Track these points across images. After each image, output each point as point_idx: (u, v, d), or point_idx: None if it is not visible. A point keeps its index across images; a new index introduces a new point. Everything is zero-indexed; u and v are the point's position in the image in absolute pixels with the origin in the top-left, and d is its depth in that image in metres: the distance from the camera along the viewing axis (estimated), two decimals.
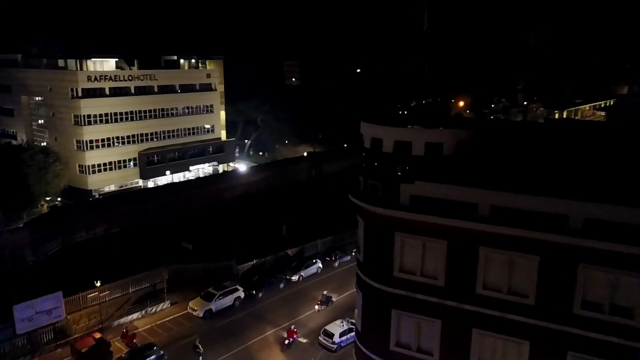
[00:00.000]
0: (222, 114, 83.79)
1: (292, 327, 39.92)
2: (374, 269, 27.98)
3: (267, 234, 56.45)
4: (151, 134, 74.24)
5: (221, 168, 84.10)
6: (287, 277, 48.20)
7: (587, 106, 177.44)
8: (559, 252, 23.14)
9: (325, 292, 45.10)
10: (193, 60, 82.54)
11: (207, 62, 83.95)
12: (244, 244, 52.69)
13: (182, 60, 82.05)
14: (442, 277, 25.91)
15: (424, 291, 26.52)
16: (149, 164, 73.50)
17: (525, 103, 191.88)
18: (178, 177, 77.54)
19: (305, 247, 54.21)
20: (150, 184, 74.57)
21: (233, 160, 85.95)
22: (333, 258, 51.85)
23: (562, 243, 22.93)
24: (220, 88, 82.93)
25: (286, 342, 38.74)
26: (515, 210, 23.69)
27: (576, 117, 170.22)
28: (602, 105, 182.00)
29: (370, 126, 27.29)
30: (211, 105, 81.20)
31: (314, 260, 50.32)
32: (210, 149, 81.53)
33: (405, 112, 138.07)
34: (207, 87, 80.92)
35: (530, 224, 23.33)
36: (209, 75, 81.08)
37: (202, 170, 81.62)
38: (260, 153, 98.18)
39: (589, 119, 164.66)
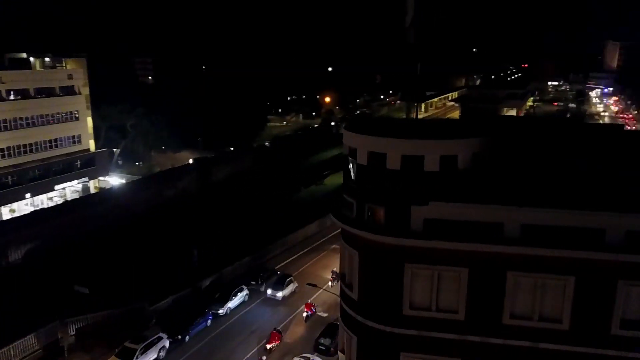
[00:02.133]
0: (89, 120, 71.47)
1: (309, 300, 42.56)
2: (376, 308, 23.49)
3: (174, 261, 48.49)
4: (1, 150, 60.13)
5: (92, 184, 72.00)
6: (214, 311, 41.23)
7: (441, 97, 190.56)
8: (597, 270, 20.94)
9: (334, 269, 45.34)
10: (48, 59, 68.99)
11: (65, 62, 70.85)
12: (151, 278, 44.46)
13: (32, 59, 68.14)
14: (463, 309, 22.38)
15: (441, 328, 22.79)
16: (3, 187, 59.48)
17: (382, 97, 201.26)
18: (41, 199, 64.24)
19: (223, 272, 47.42)
20: (5, 211, 60.56)
21: (106, 174, 74.13)
22: (259, 281, 45.91)
23: (600, 260, 20.78)
24: (85, 91, 70.51)
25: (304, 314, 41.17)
26: (548, 228, 20.99)
27: (431, 108, 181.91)
28: (452, 97, 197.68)
29: (365, 138, 22.57)
30: (76, 111, 68.60)
31: (241, 288, 43.93)
32: (78, 162, 69.04)
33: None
34: (69, 90, 68.13)
35: (565, 242, 20.81)
36: (70, 77, 68.37)
37: (69, 188, 68.90)
38: (137, 163, 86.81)
39: (445, 109, 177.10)
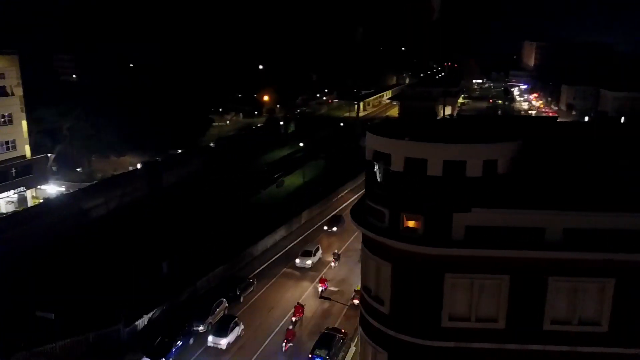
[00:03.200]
0: (24, 124, 64.84)
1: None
2: (412, 322, 22.35)
3: (142, 275, 44.81)
4: None
5: (29, 194, 65.56)
6: (195, 328, 38.37)
7: (381, 95, 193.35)
8: (637, 271, 21.02)
9: (336, 251, 52.40)
10: None
11: None
12: (120, 295, 40.76)
13: None
14: (503, 318, 21.76)
15: (480, 338, 22.05)
16: None
17: (317, 95, 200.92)
18: None
19: (198, 285, 44.46)
20: None
21: (45, 183, 67.78)
22: (238, 292, 43.42)
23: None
24: (19, 92, 63.84)
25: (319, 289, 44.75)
26: (590, 231, 20.78)
27: (368, 107, 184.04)
28: (387, 95, 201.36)
29: (403, 144, 21.27)
30: (9, 115, 62.02)
31: (220, 301, 41.26)
32: (14, 170, 62.50)
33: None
34: (1, 92, 61.47)
35: (606, 245, 20.69)
36: (2, 76, 61.66)
37: (4, 199, 62.27)
38: (78, 169, 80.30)
39: (383, 107, 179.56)
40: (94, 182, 71.36)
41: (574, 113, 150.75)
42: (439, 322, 21.95)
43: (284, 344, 36.74)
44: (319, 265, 50.63)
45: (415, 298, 22.06)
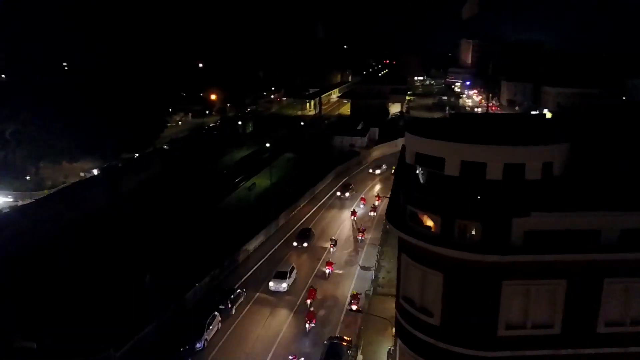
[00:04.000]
0: None
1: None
2: (467, 333, 21.35)
3: (123, 292, 41.43)
4: None
5: None
6: (190, 347, 35.69)
7: (329, 93, 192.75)
8: None
9: (333, 237, 54.92)
10: None
11: None
12: (101, 316, 37.40)
13: None
14: (559, 323, 21.22)
15: (536, 345, 21.44)
16: None
17: (265, 93, 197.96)
18: None
19: (186, 298, 41.60)
20: None
21: None
22: (229, 305, 41.00)
23: None
24: None
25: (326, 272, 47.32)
26: None
27: (320, 105, 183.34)
28: (336, 93, 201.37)
29: (458, 146, 20.14)
30: None
31: (214, 315, 38.72)
32: None
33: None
34: None
35: None
36: None
37: None
38: (27, 177, 73.94)
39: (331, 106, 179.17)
40: (48, 191, 65.84)
41: (517, 108, 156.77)
42: (495, 332, 21.11)
43: (307, 324, 38.69)
44: (295, 287, 45.22)
45: (470, 308, 21.08)
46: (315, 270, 49.03)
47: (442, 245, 20.80)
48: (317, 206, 67.58)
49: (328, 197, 71.41)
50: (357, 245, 55.65)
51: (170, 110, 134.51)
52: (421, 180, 21.52)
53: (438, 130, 21.96)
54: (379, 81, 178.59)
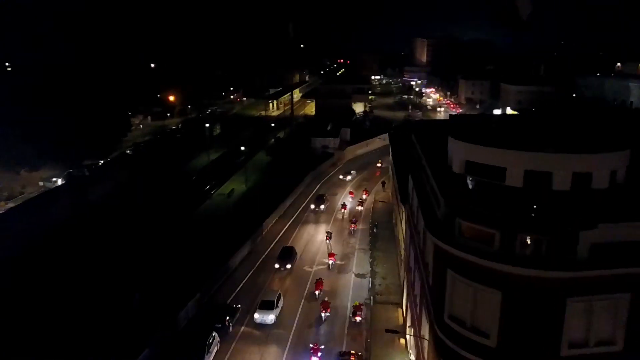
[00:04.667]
0: None
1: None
2: (527, 354, 19.89)
3: (109, 314, 38.01)
4: None
5: None
6: None
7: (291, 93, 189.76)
8: None
9: (328, 230, 56.27)
10: None
11: None
12: (91, 344, 34.04)
13: None
14: (621, 339, 20.11)
15: None
16: None
17: (223, 94, 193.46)
18: None
19: (179, 317, 38.52)
20: None
21: None
22: (227, 323, 38.25)
23: None
24: None
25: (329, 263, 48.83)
26: None
27: (281, 105, 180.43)
28: (297, 93, 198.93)
29: (522, 155, 18.60)
30: None
31: (212, 335, 35.90)
32: None
33: None
34: None
35: None
36: None
37: None
38: None
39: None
40: (6, 203, 60.55)
41: (477, 107, 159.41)
42: (557, 351, 19.76)
43: (322, 314, 39.80)
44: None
45: (531, 327, 19.63)
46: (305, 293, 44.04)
47: (502, 262, 19.24)
48: (292, 219, 64.94)
49: (305, 207, 69.06)
50: (350, 235, 57.75)
51: (129, 112, 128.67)
52: (471, 190, 19.86)
53: (492, 137, 20.37)
54: (341, 81, 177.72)
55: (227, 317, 38.59)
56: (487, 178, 19.32)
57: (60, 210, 58.54)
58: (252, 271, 48.76)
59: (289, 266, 48.00)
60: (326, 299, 41.52)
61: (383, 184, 77.07)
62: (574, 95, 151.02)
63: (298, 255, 50.97)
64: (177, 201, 65.92)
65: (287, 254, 49.30)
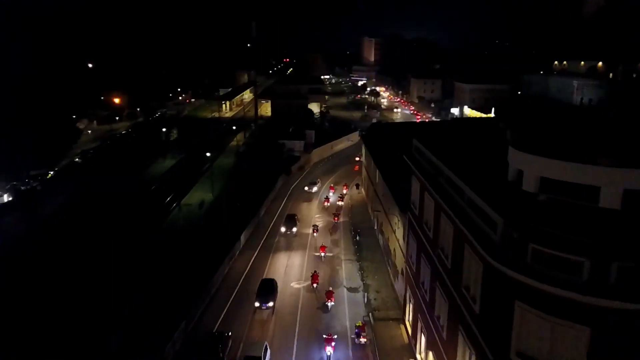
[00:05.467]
0: None
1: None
2: None
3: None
4: None
5: None
6: None
7: (241, 95, 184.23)
8: None
9: (315, 224, 58.17)
10: None
11: None
12: None
13: None
14: None
15: None
16: None
17: (171, 95, 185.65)
18: None
19: (165, 352, 33.99)
20: None
21: None
22: (221, 355, 34.11)
23: None
24: None
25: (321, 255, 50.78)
26: None
27: (234, 106, 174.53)
28: (248, 94, 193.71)
29: (622, 172, 16.03)
30: None
31: None
32: None
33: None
34: None
35: None
36: None
37: None
38: None
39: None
40: None
41: (432, 105, 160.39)
42: None
43: (327, 303, 41.32)
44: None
45: None
46: None
47: (594, 295, 16.69)
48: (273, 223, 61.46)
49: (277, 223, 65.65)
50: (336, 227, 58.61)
51: (74, 117, 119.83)
52: (545, 210, 17.23)
53: (576, 149, 17.75)
54: (294, 81, 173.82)
55: (220, 346, 34.56)
56: (572, 198, 16.70)
57: (10, 227, 52.06)
58: (235, 291, 44.59)
59: (271, 304, 40.49)
60: (330, 288, 43.30)
61: (357, 186, 74.60)
62: (519, 92, 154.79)
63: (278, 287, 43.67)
64: (141, 214, 60.51)
65: (268, 288, 41.68)
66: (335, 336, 35.36)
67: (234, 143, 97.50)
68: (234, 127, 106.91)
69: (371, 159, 61.84)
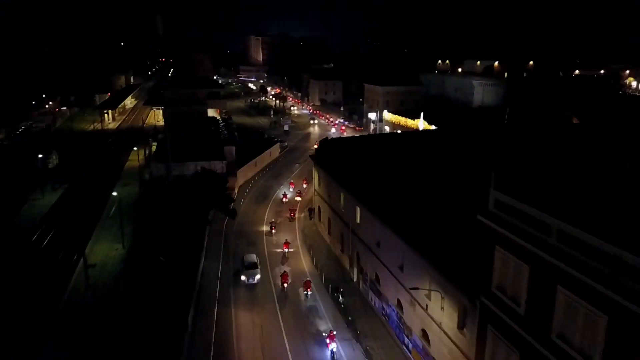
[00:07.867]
0: None
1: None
2: None
3: None
4: None
5: None
6: None
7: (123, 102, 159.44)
8: None
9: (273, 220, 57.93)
10: None
11: None
12: None
13: None
14: None
15: None
16: None
17: (34, 103, 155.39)
18: None
19: None
20: None
21: None
22: None
23: None
24: None
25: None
26: None
27: (117, 115, 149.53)
28: (130, 100, 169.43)
29: None
30: None
31: None
32: None
33: None
34: None
35: None
36: None
37: None
38: None
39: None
40: None
41: (341, 109, 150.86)
42: None
43: (305, 292, 42.12)
44: None
45: None
46: None
47: None
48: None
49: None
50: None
51: None
52: None
53: None
54: (190, 84, 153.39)
55: None
56: None
57: None
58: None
59: (259, 276, 44.45)
60: (308, 278, 43.96)
61: (310, 212, 61.02)
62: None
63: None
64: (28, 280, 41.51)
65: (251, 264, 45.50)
66: (335, 332, 35.36)
67: (133, 164, 78.31)
68: (134, 148, 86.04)
69: (339, 188, 48.63)
